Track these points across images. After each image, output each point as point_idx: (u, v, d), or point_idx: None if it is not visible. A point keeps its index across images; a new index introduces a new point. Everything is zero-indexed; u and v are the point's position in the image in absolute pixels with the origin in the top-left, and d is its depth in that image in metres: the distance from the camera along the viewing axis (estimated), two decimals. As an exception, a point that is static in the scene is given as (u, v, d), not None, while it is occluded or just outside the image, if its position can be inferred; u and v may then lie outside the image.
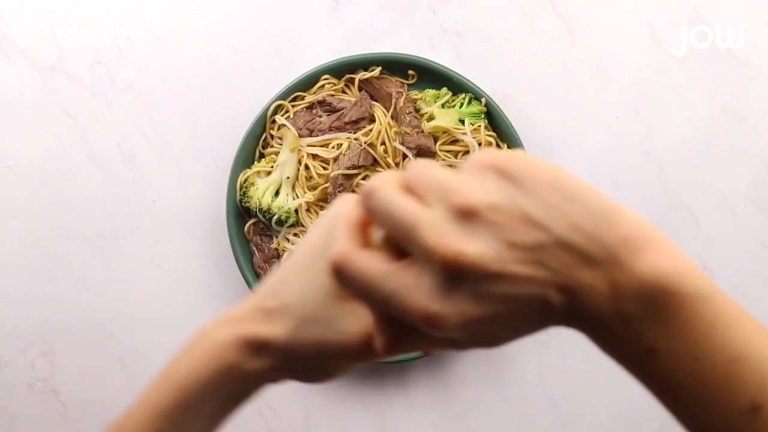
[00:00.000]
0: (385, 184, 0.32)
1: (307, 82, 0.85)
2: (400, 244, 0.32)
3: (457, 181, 0.31)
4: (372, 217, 0.33)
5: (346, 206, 0.36)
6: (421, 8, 0.89)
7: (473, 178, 0.31)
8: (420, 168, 0.33)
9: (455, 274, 0.30)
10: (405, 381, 0.89)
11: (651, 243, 0.33)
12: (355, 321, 0.37)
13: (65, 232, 0.88)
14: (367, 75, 0.85)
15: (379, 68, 0.85)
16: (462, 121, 0.83)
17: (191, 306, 0.88)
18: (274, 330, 0.38)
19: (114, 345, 0.88)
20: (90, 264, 0.88)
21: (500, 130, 0.85)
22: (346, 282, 0.33)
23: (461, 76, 0.84)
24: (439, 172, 0.32)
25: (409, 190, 0.32)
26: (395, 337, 0.33)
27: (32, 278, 0.88)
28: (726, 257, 0.89)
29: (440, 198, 0.31)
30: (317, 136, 0.83)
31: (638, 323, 0.31)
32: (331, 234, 0.35)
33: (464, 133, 0.83)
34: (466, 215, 0.30)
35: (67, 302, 0.88)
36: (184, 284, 0.88)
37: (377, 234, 0.34)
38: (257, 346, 0.39)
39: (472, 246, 0.29)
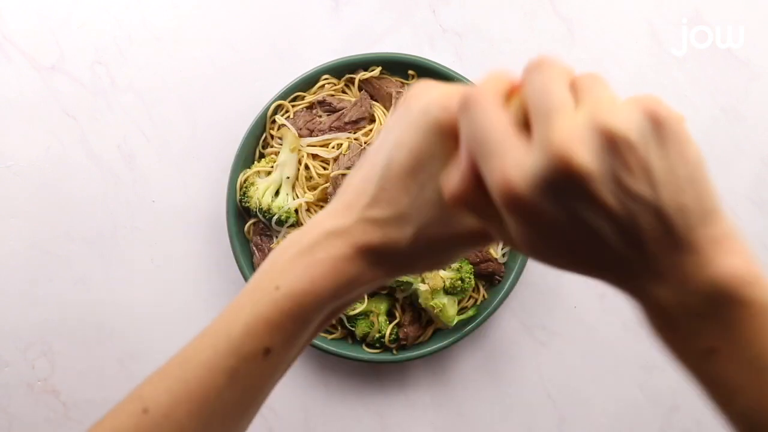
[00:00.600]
0: (558, 67, 0.33)
1: (307, 82, 0.85)
2: (531, 122, 0.32)
3: (614, 105, 0.31)
4: (526, 87, 0.33)
5: (436, 99, 0.36)
6: (421, 8, 0.89)
7: (630, 110, 0.31)
8: (594, 76, 0.33)
9: (556, 173, 0.30)
10: (405, 381, 0.89)
11: (735, 250, 0.32)
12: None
13: (65, 232, 0.88)
14: (367, 75, 0.85)
15: (379, 68, 0.85)
16: (462, 121, 0.83)
17: (191, 306, 0.88)
18: (395, 237, 0.38)
19: (114, 345, 0.88)
20: (90, 264, 0.88)
21: (500, 130, 0.85)
22: (467, 116, 0.33)
23: (461, 76, 0.84)
24: (606, 88, 0.32)
25: (573, 86, 0.33)
26: (470, 191, 0.33)
27: (32, 278, 0.88)
28: (726, 257, 0.89)
29: (592, 108, 0.31)
30: (317, 136, 0.83)
31: (702, 321, 0.32)
32: (432, 134, 0.36)
33: (464, 133, 0.83)
34: (602, 135, 0.30)
35: (67, 302, 0.88)
36: (184, 284, 0.88)
37: (514, 105, 0.34)
38: (379, 255, 0.39)
39: (587, 159, 0.29)
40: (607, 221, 0.31)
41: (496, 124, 0.32)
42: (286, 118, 0.84)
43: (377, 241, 0.38)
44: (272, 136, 0.85)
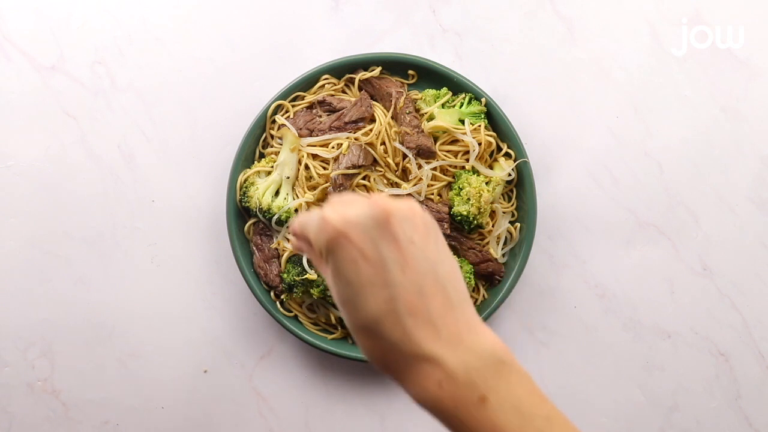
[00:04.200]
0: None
1: (307, 82, 0.85)
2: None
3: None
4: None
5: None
6: (421, 8, 0.89)
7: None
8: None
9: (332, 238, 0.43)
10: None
11: (489, 331, 0.44)
12: None
13: (65, 232, 0.88)
14: (367, 75, 0.85)
15: (379, 68, 0.85)
16: (462, 121, 0.83)
17: (191, 306, 0.88)
18: None
19: (114, 345, 0.88)
20: (90, 264, 0.88)
21: (500, 130, 0.85)
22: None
23: (461, 76, 0.84)
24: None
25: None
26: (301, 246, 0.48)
27: (32, 278, 0.88)
28: (726, 257, 0.89)
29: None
30: (317, 136, 0.83)
31: (477, 373, 0.41)
32: None
33: (464, 133, 0.83)
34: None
35: (67, 302, 0.88)
36: (184, 284, 0.88)
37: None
38: None
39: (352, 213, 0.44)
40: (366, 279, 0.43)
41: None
42: (286, 118, 0.84)
43: None
44: (272, 136, 0.85)
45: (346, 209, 0.43)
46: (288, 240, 0.83)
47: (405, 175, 0.83)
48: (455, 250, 0.84)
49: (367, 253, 0.42)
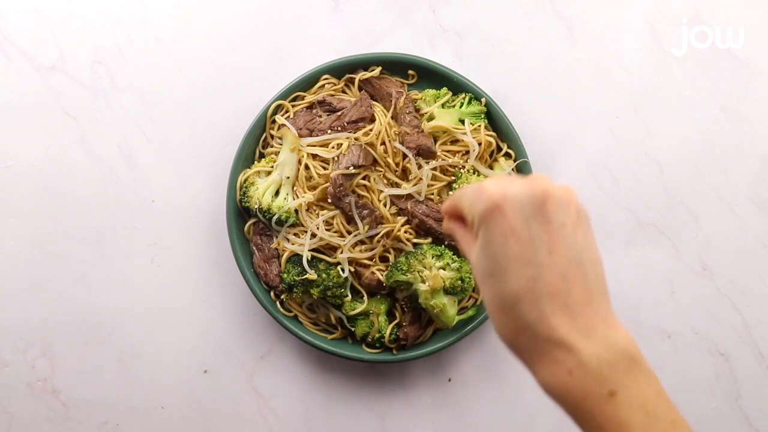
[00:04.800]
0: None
1: (307, 82, 0.85)
2: None
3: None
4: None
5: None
6: (421, 8, 0.89)
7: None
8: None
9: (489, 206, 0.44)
10: (405, 381, 0.89)
11: (622, 326, 0.44)
12: None
13: (65, 232, 0.88)
14: (367, 75, 0.85)
15: (379, 68, 0.85)
16: (462, 121, 0.83)
17: (191, 306, 0.88)
18: None
19: (114, 345, 0.88)
20: (90, 264, 0.88)
21: (500, 130, 0.85)
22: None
23: (461, 76, 0.84)
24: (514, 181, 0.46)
25: None
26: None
27: (32, 278, 0.88)
28: (726, 257, 0.89)
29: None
30: (317, 136, 0.83)
31: (609, 368, 0.41)
32: None
33: (464, 133, 0.83)
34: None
35: (67, 302, 0.88)
36: (184, 284, 0.88)
37: None
38: None
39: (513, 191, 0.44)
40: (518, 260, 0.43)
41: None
42: (286, 118, 0.84)
43: None
44: (272, 136, 0.85)
45: (507, 184, 0.44)
46: (288, 240, 0.83)
47: (405, 175, 0.83)
48: (456, 250, 0.84)
49: (518, 230, 0.42)
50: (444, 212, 0.50)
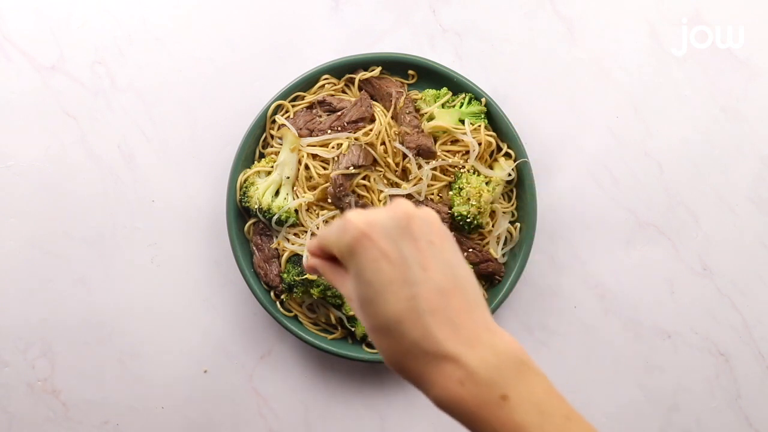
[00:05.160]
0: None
1: (307, 82, 0.85)
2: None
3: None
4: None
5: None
6: (421, 8, 0.89)
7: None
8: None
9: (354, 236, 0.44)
10: (405, 381, 0.89)
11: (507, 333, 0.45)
12: None
13: (65, 232, 0.88)
14: (367, 75, 0.85)
15: (379, 68, 0.85)
16: (462, 121, 0.83)
17: (191, 306, 0.88)
18: None
19: (114, 345, 0.88)
20: (90, 264, 0.88)
21: (500, 130, 0.85)
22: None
23: (461, 76, 0.84)
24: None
25: None
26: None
27: (32, 278, 0.88)
28: (726, 257, 0.89)
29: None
30: (317, 136, 0.83)
31: (498, 372, 0.41)
32: None
33: (464, 133, 0.83)
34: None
35: (67, 302, 0.88)
36: (184, 284, 0.88)
37: None
38: None
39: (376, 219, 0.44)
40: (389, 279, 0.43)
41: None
42: (286, 118, 0.84)
43: None
44: (272, 136, 0.85)
45: (369, 213, 0.45)
46: (288, 240, 0.83)
47: (405, 175, 0.83)
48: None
49: (389, 253, 0.43)
50: (309, 252, 0.50)
